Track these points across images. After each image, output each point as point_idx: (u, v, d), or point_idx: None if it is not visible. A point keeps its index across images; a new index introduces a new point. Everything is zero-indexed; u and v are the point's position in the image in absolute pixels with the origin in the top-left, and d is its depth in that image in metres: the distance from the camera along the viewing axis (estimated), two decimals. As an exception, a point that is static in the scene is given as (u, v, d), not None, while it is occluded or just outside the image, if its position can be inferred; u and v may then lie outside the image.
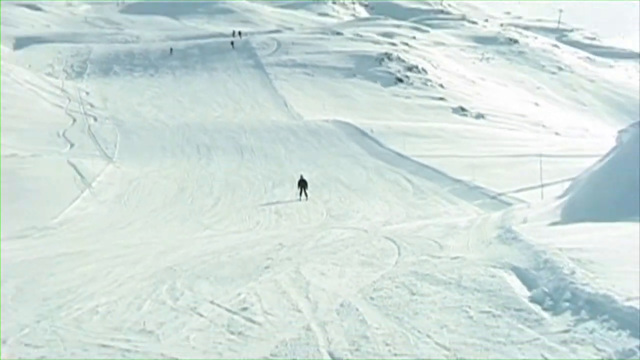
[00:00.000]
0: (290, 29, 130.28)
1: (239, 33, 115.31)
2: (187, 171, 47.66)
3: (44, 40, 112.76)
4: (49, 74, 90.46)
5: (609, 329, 7.55)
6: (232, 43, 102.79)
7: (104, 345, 9.86)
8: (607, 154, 20.89)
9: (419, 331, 8.93)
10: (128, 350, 9.49)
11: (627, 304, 7.77)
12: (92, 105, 74.93)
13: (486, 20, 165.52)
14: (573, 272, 9.66)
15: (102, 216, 35.02)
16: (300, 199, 39.39)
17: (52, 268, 18.35)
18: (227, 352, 9.08)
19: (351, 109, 74.33)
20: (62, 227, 31.84)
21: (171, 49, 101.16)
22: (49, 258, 20.60)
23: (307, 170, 46.65)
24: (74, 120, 67.11)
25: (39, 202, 36.66)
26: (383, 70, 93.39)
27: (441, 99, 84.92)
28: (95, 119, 68.01)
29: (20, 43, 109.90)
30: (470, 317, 9.18)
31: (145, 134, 61.45)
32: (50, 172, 44.32)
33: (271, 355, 8.63)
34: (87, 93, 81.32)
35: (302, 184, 40.74)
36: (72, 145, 57.72)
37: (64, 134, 61.17)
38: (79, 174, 45.03)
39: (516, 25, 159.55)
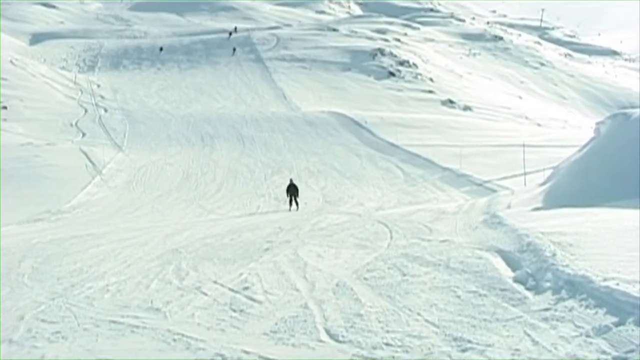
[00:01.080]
0: (289, 25, 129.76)
1: (235, 29, 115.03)
2: (192, 159, 47.56)
3: (58, 36, 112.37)
4: (62, 68, 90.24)
5: (587, 307, 7.58)
6: (229, 38, 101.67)
7: (114, 322, 9.87)
8: (586, 144, 20.92)
9: (409, 309, 8.94)
10: (137, 326, 9.50)
11: (604, 284, 7.79)
12: (102, 97, 74.78)
13: (473, 18, 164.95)
14: (554, 255, 9.68)
15: (112, 201, 34.98)
16: (290, 209, 32.22)
17: (66, 249, 18.35)
18: (229, 328, 9.09)
19: (346, 101, 74.23)
20: (74, 211, 31.81)
21: (161, 48, 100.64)
22: (62, 240, 20.58)
23: (305, 158, 46.56)
24: (86, 111, 66.99)
25: (53, 188, 36.64)
26: (376, 65, 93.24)
27: (431, 91, 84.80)
28: (106, 110, 67.86)
29: (36, 39, 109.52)
30: (458, 297, 9.20)
31: (152, 123, 61.32)
32: (64, 159, 44.27)
33: (271, 331, 8.65)
34: (98, 85, 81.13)
35: (292, 190, 33.52)
36: (84, 134, 57.63)
37: (76, 124, 61.06)
38: (90, 161, 44.97)
39: (501, 23, 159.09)
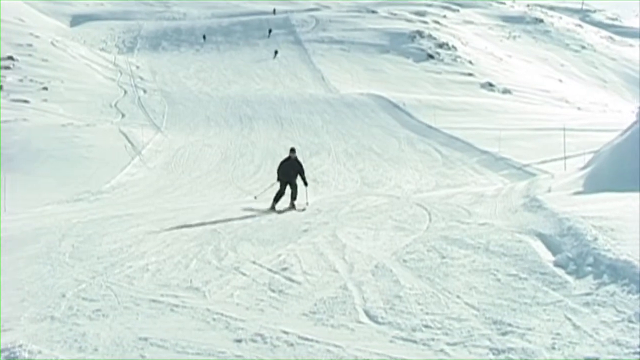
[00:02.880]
0: (328, 7, 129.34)
1: (274, 11, 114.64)
2: (230, 140, 47.63)
3: (97, 18, 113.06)
4: (102, 49, 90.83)
5: (629, 292, 7.50)
6: (269, 31, 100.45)
7: (154, 300, 9.95)
8: (628, 128, 20.69)
9: (449, 292, 8.92)
10: (176, 305, 9.57)
11: (647, 269, 7.72)
12: (141, 78, 75.16)
13: (513, 0, 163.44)
14: (595, 239, 9.59)
15: (151, 182, 35.15)
16: (273, 206, 21.54)
17: (105, 229, 18.50)
18: (268, 308, 9.12)
19: (384, 83, 73.99)
20: (114, 191, 32.03)
21: (204, 36, 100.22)
22: (102, 220, 20.75)
23: (343, 139, 46.49)
24: (125, 92, 67.37)
25: (93, 168, 36.89)
26: (415, 47, 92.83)
27: (470, 74, 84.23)
28: (145, 91, 68.21)
29: (76, 20, 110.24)
30: (498, 280, 9.16)
31: (191, 105, 61.52)
32: (103, 140, 44.55)
33: (310, 312, 8.67)
34: (137, 67, 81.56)
35: (288, 170, 22.48)
36: (123, 115, 57.96)
37: (115, 105, 61.44)
38: (130, 142, 45.22)
39: (542, 6, 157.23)
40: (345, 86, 70.63)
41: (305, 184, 22.98)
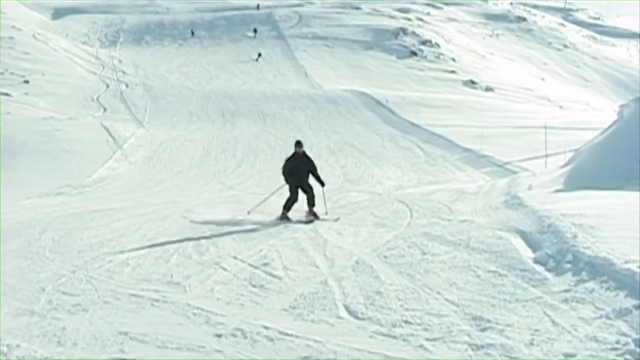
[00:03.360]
0: (312, 2, 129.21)
1: (257, 6, 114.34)
2: (212, 135, 47.56)
3: (80, 11, 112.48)
4: (84, 43, 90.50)
5: (608, 289, 7.56)
6: (254, 30, 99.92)
7: (134, 295, 9.94)
8: (609, 127, 20.78)
9: (429, 288, 8.95)
10: (157, 300, 9.56)
11: (625, 266, 7.77)
12: (124, 72, 74.96)
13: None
14: (575, 236, 9.65)
15: (133, 176, 35.06)
16: (285, 214, 17.59)
17: (87, 223, 18.46)
18: (249, 303, 9.13)
19: (368, 80, 74.08)
20: (95, 185, 31.93)
21: (192, 31, 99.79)
22: (83, 214, 20.69)
23: (325, 136, 46.52)
24: (107, 86, 67.15)
25: (74, 162, 36.77)
26: (398, 44, 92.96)
27: (453, 72, 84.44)
28: (127, 85, 68.01)
29: (58, 13, 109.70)
30: (478, 276, 9.20)
31: (174, 99, 61.39)
32: (85, 134, 44.41)
33: (290, 307, 8.69)
34: (120, 61, 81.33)
35: (299, 171, 18.18)
36: (105, 109, 57.80)
37: (97, 99, 61.24)
38: (112, 136, 45.09)
39: (525, 4, 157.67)
40: (328, 82, 70.68)
41: (322, 183, 18.43)
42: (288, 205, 17.82)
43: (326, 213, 17.66)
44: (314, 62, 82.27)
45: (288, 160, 18.53)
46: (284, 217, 17.47)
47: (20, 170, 33.87)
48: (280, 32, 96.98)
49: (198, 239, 14.48)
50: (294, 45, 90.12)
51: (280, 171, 18.74)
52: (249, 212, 18.28)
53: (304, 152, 18.50)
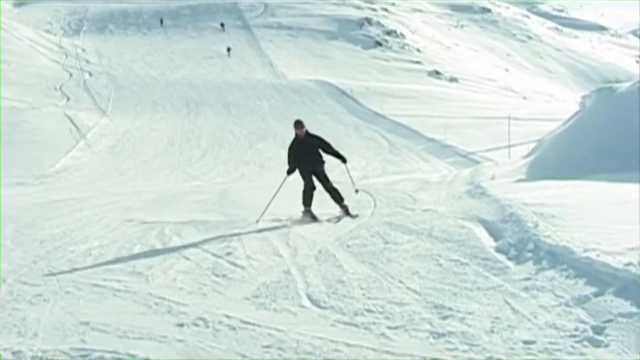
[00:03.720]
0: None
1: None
2: (177, 125, 47.41)
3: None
4: (47, 31, 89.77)
5: (567, 277, 7.62)
6: (222, 24, 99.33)
7: (96, 285, 9.86)
8: (571, 118, 20.95)
9: (391, 277, 8.97)
10: (119, 290, 9.50)
11: (585, 255, 7.84)
12: (87, 61, 74.44)
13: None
14: (536, 225, 9.72)
15: (96, 166, 34.88)
16: (307, 211, 15.20)
17: (49, 213, 18.31)
18: (211, 292, 9.11)
19: (332, 70, 74.20)
20: (58, 175, 31.72)
21: (161, 20, 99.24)
22: (45, 204, 20.54)
23: (290, 126, 46.42)
24: (71, 75, 66.65)
25: (37, 152, 36.49)
26: (363, 34, 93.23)
27: (417, 62, 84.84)
28: (91, 74, 67.57)
29: (21, 1, 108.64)
30: (440, 265, 9.24)
31: (138, 89, 61.08)
32: (48, 123, 44.08)
33: (253, 296, 8.67)
34: (83, 50, 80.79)
35: (310, 154, 15.38)
36: (68, 98, 57.38)
37: (61, 88, 60.76)
38: (75, 125, 44.80)
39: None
40: (293, 72, 70.67)
41: (343, 159, 15.60)
42: (307, 198, 15.26)
43: (357, 191, 16.22)
44: (279, 51, 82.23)
45: (292, 144, 15.64)
46: (308, 213, 15.01)
47: (-19, 160, 33.53)
48: (246, 22, 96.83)
49: (161, 228, 14.42)
50: (259, 35, 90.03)
51: (286, 160, 15.75)
52: (257, 221, 14.52)
53: (307, 132, 15.51)
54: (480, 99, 62.97)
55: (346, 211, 14.93)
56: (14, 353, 7.06)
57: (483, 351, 6.11)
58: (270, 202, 15.34)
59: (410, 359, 6.12)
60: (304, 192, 15.31)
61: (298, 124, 15.52)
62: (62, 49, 78.54)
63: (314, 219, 14.68)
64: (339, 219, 14.29)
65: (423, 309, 7.52)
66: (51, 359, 6.85)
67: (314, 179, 15.43)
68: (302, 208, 15.20)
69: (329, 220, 14.29)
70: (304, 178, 15.45)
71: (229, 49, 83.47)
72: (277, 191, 15.62)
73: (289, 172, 15.62)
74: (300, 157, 15.36)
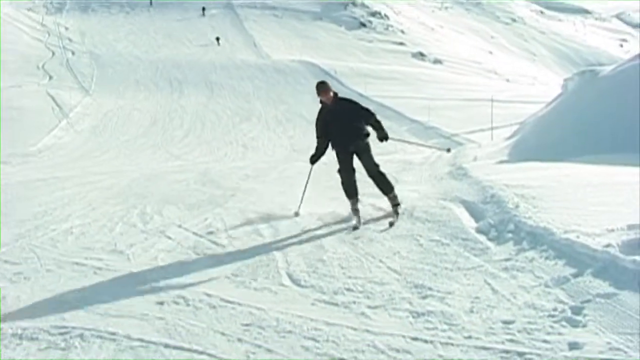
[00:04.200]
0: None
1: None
2: (160, 104, 47.28)
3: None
4: (29, 9, 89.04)
5: (547, 258, 7.65)
6: (203, 9, 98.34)
7: (77, 263, 9.85)
8: (553, 100, 21.05)
9: (372, 256, 8.99)
10: (100, 268, 9.49)
11: (565, 236, 7.87)
12: (70, 40, 74.05)
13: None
14: (517, 206, 9.75)
15: (78, 145, 34.76)
16: (357, 211, 11.55)
17: (30, 192, 18.24)
18: (192, 271, 9.10)
19: (316, 50, 74.12)
20: (40, 154, 31.62)
21: (150, 1, 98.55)
22: (27, 182, 20.46)
23: (273, 106, 46.39)
24: (53, 53, 66.31)
25: (19, 131, 36.32)
26: (348, 15, 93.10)
27: (401, 44, 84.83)
28: (73, 53, 67.23)
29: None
30: (421, 245, 9.26)
31: (121, 68, 60.85)
32: (30, 102, 43.87)
33: (233, 274, 8.67)
34: (66, 28, 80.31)
35: (345, 132, 11.62)
36: (50, 77, 57.10)
37: (43, 67, 60.45)
38: (57, 105, 44.61)
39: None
40: (277, 52, 70.54)
41: (384, 136, 11.98)
42: (349, 188, 11.84)
43: (449, 150, 13.93)
44: (263, 32, 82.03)
45: (317, 118, 11.93)
46: (355, 212, 11.54)
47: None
48: (229, 1, 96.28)
49: (143, 207, 14.39)
50: (243, 15, 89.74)
51: (315, 135, 12.18)
52: (296, 214, 12.26)
53: (336, 96, 11.71)
54: (464, 81, 63.07)
55: (396, 207, 11.48)
56: (-7, 330, 7.05)
57: (462, 330, 6.14)
58: (304, 192, 12.88)
59: (389, 338, 6.14)
60: (343, 181, 11.84)
61: (322, 87, 11.67)
62: (45, 27, 78.12)
63: (357, 218, 11.32)
64: (391, 224, 10.81)
65: (403, 289, 7.54)
66: (31, 337, 6.85)
67: (355, 159, 11.89)
68: (348, 204, 11.81)
69: (381, 219, 11.43)
70: (340, 162, 11.84)
71: (217, 39, 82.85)
72: (307, 181, 13.10)
73: (314, 158, 12.23)
74: (331, 131, 11.71)
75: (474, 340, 5.86)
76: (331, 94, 11.54)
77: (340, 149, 11.78)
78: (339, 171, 11.87)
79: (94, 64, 62.02)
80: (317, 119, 11.87)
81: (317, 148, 12.00)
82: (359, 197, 11.85)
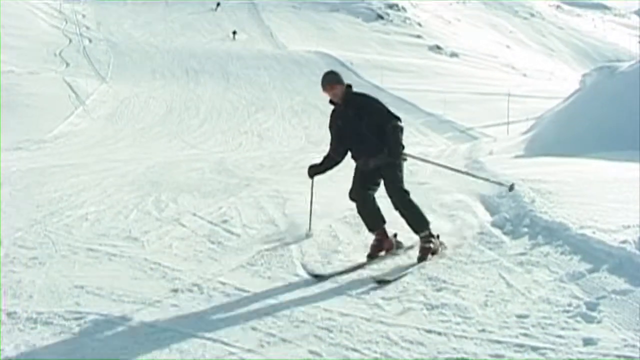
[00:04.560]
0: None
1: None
2: (176, 93, 47.31)
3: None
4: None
5: (562, 253, 7.64)
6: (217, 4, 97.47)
7: (92, 249, 9.87)
8: (571, 96, 20.96)
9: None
10: (114, 255, 9.51)
11: (580, 231, 7.85)
12: (87, 28, 74.22)
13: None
14: (533, 201, 9.73)
15: (94, 132, 34.83)
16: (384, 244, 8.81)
17: (45, 178, 18.31)
18: (206, 259, 9.12)
19: (333, 42, 74.10)
20: (56, 141, 31.71)
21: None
22: (42, 169, 20.52)
23: (289, 96, 46.37)
24: (70, 40, 66.46)
25: (35, 117, 36.43)
26: (365, 7, 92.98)
27: (418, 36, 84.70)
28: (90, 41, 67.37)
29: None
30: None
31: (138, 56, 60.92)
32: (46, 89, 43.96)
33: (248, 264, 8.68)
34: (84, 16, 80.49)
35: (360, 140, 8.59)
36: (67, 64, 57.23)
37: (60, 54, 60.60)
38: (74, 92, 44.71)
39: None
40: (293, 43, 70.56)
41: (396, 153, 8.62)
42: (369, 217, 8.81)
43: (511, 188, 10.07)
44: (280, 22, 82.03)
45: (331, 118, 9.07)
46: (386, 245, 8.82)
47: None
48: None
49: (158, 195, 14.42)
50: (261, 6, 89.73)
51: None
52: (308, 235, 9.91)
53: (349, 94, 8.73)
54: (480, 75, 62.86)
55: (426, 249, 8.34)
56: (8, 314, 7.08)
57: (476, 324, 6.12)
58: (311, 209, 10.33)
59: (403, 329, 6.14)
60: (358, 209, 8.89)
61: (327, 79, 8.75)
62: (62, 15, 78.29)
63: (378, 251, 8.74)
64: (420, 259, 8.28)
65: (417, 281, 7.53)
66: (46, 321, 6.87)
67: (374, 179, 8.73)
68: (370, 239, 8.89)
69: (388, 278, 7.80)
70: (353, 181, 8.93)
71: (234, 32, 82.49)
72: (312, 196, 10.27)
73: (314, 170, 9.64)
74: (345, 141, 8.85)
75: (488, 334, 5.84)
76: (339, 89, 8.63)
77: (358, 164, 8.86)
78: (350, 194, 8.88)
79: (111, 51, 62.14)
80: (330, 123, 9.04)
81: (324, 158, 9.28)
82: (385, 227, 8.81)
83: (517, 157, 16.83)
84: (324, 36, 77.42)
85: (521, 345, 5.49)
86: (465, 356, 5.46)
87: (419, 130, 36.66)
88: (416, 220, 8.45)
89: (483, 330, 5.96)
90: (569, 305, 6.22)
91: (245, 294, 7.45)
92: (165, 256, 9.32)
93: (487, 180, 7.22)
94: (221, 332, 6.37)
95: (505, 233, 9.01)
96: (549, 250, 7.88)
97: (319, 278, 7.84)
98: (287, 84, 51.19)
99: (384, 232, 8.76)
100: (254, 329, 6.37)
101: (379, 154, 8.49)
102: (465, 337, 5.84)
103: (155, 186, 15.91)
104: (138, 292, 7.67)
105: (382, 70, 54.89)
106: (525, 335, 5.71)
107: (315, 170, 9.53)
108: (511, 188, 8.72)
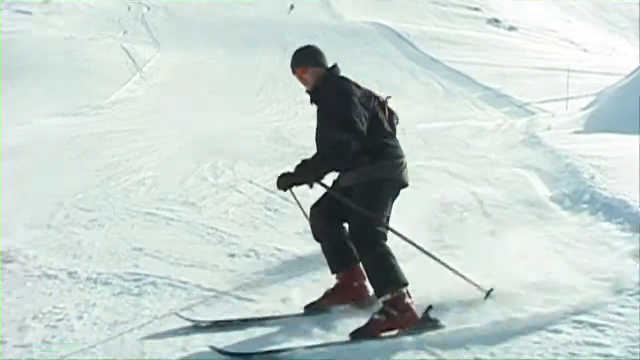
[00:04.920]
0: None
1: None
2: (232, 62, 47.34)
3: None
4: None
5: (623, 230, 7.53)
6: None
7: (149, 214, 10.00)
8: (633, 72, 20.63)
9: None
10: (172, 219, 9.62)
11: (642, 209, 7.76)
12: (146, -5, 74.52)
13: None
14: (593, 177, 9.62)
15: (151, 99, 35.04)
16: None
17: (104, 144, 18.54)
18: (263, 226, 9.18)
19: (390, 13, 73.32)
20: (113, 107, 32.00)
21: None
22: (101, 135, 20.75)
23: (345, 67, 46.12)
24: (129, 8, 66.86)
25: (94, 83, 36.79)
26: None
27: (477, 9, 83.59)
28: (149, 8, 67.67)
29: None
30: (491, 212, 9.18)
31: (196, 25, 61.03)
32: (105, 56, 44.36)
33: (304, 231, 8.68)
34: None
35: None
36: (125, 31, 57.64)
37: (119, 21, 61.03)
38: (131, 58, 45.04)
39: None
40: (351, 13, 70.16)
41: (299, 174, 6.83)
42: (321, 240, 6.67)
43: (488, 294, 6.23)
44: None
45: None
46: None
47: (39, 88, 33.96)
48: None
49: (215, 162, 14.48)
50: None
51: None
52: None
53: (326, 75, 6.47)
54: (539, 50, 61.85)
55: (377, 324, 5.56)
56: (69, 274, 7.22)
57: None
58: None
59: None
60: (323, 246, 6.58)
61: (296, 59, 6.66)
62: (122, -18, 78.83)
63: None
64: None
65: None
66: (105, 282, 6.98)
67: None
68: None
69: None
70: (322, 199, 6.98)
71: (292, 7, 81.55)
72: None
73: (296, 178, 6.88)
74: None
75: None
76: (311, 74, 6.43)
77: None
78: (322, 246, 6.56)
79: (169, 19, 62.43)
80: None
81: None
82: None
83: (576, 132, 16.61)
84: (381, 7, 76.71)
85: (580, 322, 5.42)
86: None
87: (475, 104, 36.29)
88: (373, 269, 5.91)
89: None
90: (631, 283, 6.14)
91: (302, 261, 7.49)
92: (222, 222, 9.39)
93: (463, 278, 5.65)
94: (278, 297, 6.42)
95: (564, 209, 8.93)
96: (609, 227, 7.78)
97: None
98: (344, 54, 50.88)
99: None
100: (310, 294, 6.39)
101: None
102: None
103: (212, 153, 15.96)
104: (196, 257, 7.76)
105: (439, 42, 54.43)
106: (584, 312, 5.64)
107: (300, 183, 6.88)
108: (488, 294, 6.52)
